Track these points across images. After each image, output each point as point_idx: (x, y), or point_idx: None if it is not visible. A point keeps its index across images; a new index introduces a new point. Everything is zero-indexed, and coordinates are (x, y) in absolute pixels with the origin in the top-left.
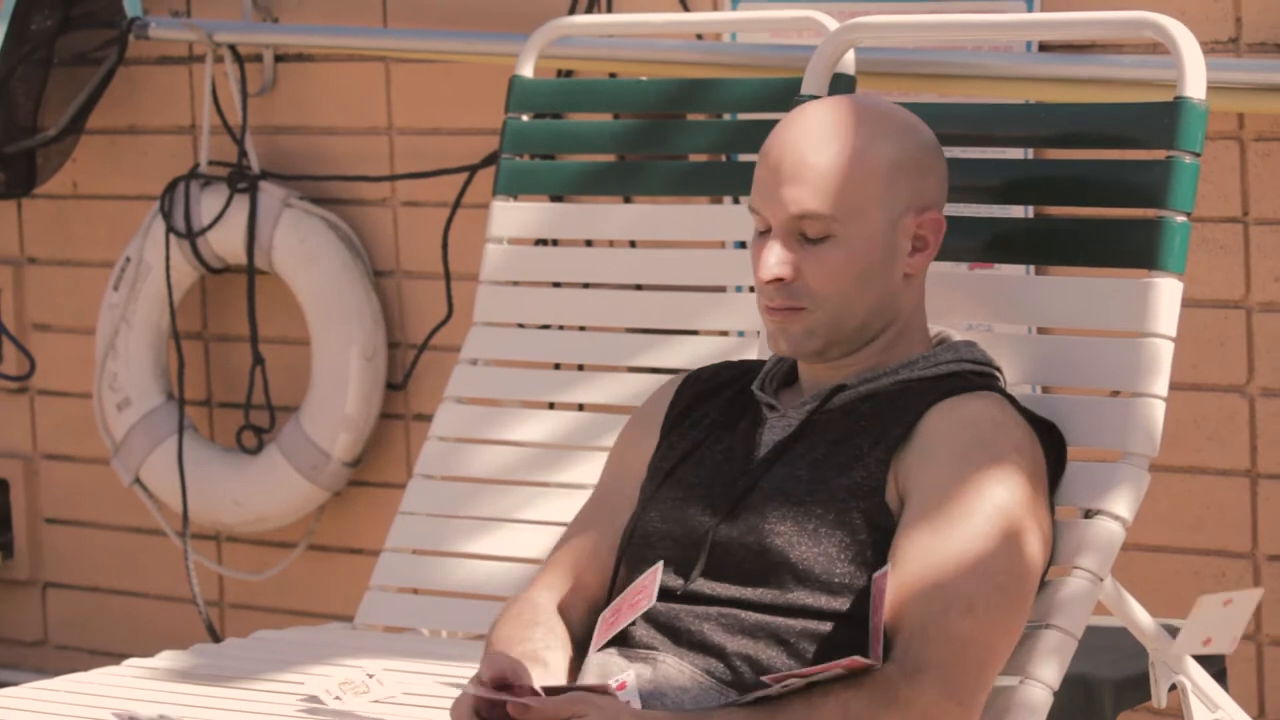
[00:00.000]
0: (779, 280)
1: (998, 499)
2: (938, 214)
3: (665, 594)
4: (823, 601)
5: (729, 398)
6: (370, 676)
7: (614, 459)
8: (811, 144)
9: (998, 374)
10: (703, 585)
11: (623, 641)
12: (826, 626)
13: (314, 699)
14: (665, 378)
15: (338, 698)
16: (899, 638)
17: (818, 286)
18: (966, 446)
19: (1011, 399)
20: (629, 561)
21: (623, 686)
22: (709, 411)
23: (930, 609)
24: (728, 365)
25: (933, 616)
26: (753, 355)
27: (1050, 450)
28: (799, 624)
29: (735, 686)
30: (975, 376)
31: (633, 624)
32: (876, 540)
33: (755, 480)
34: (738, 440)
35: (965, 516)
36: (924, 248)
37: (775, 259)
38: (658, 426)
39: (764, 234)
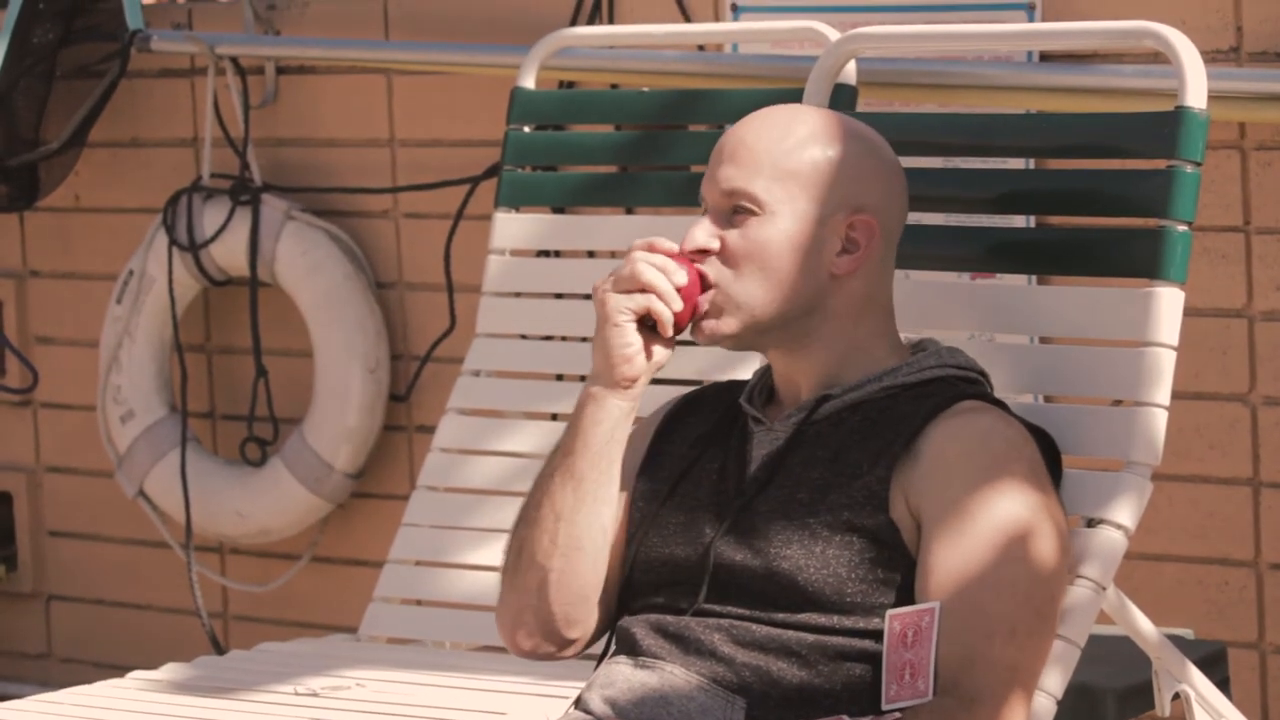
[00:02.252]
0: (702, 252)
1: (1023, 519)
2: (872, 218)
3: (674, 614)
4: (834, 620)
5: (720, 414)
6: (360, 686)
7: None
8: (754, 130)
9: (983, 379)
10: (711, 607)
11: (630, 651)
12: (839, 640)
13: (296, 694)
14: (665, 388)
15: (314, 693)
16: (946, 668)
17: (736, 262)
18: (984, 469)
19: (1003, 405)
20: (635, 588)
21: None
22: (698, 427)
23: (974, 638)
24: (715, 385)
25: (978, 646)
26: (750, 369)
27: (1046, 453)
28: (811, 638)
29: (741, 693)
30: (961, 382)
31: (642, 634)
32: (885, 557)
33: (749, 499)
34: (730, 458)
35: (994, 539)
36: (855, 250)
37: (702, 231)
38: (645, 445)
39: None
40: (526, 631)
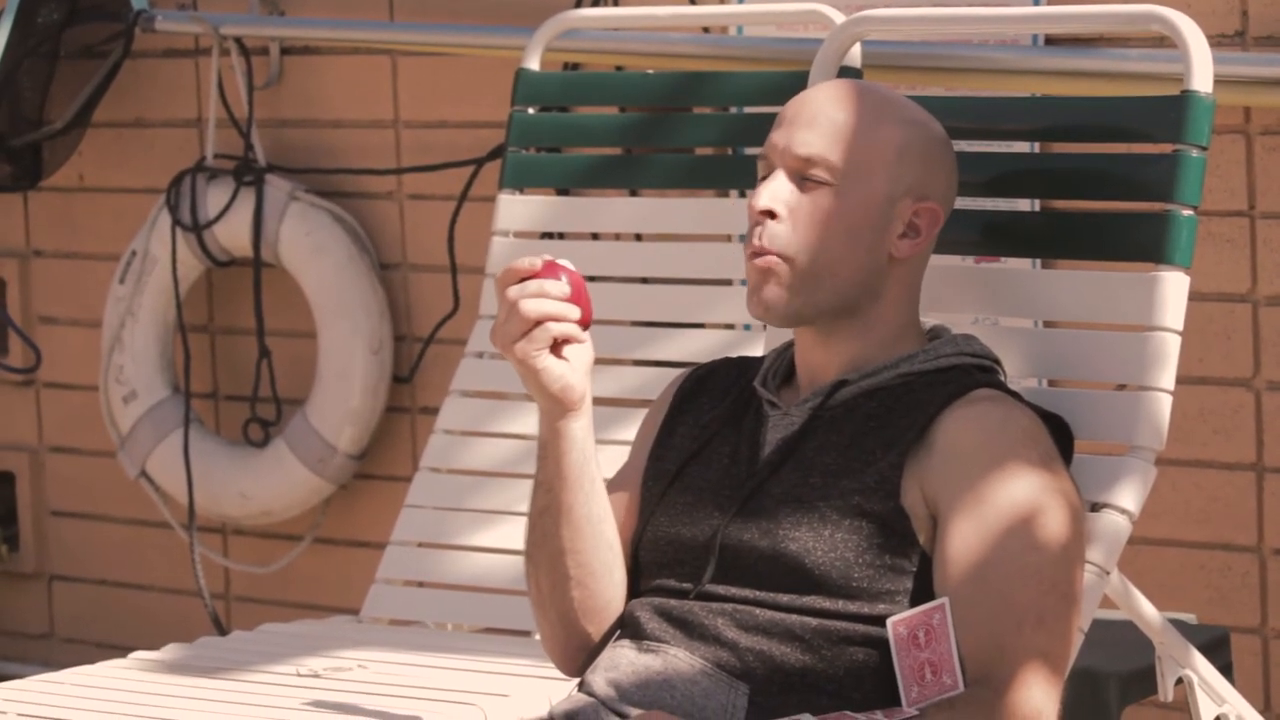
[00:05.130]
0: (769, 215)
1: (1041, 505)
2: (937, 206)
3: (678, 595)
4: (839, 605)
5: (733, 395)
6: (362, 667)
7: (631, 454)
8: (833, 99)
9: (997, 367)
10: (715, 589)
11: (634, 635)
12: (843, 624)
13: (298, 675)
14: (671, 371)
15: (315, 674)
16: (977, 658)
17: (803, 231)
18: (999, 457)
19: (1015, 394)
20: (643, 566)
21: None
22: (711, 409)
23: (1002, 628)
24: (727, 361)
25: (1008, 636)
26: (758, 350)
27: (1057, 439)
28: (815, 622)
29: (744, 678)
30: (977, 371)
31: (646, 617)
32: (893, 543)
33: (761, 482)
34: (743, 440)
35: (1014, 528)
36: (915, 235)
37: (770, 193)
38: (660, 420)
39: (765, 179)
40: (571, 655)
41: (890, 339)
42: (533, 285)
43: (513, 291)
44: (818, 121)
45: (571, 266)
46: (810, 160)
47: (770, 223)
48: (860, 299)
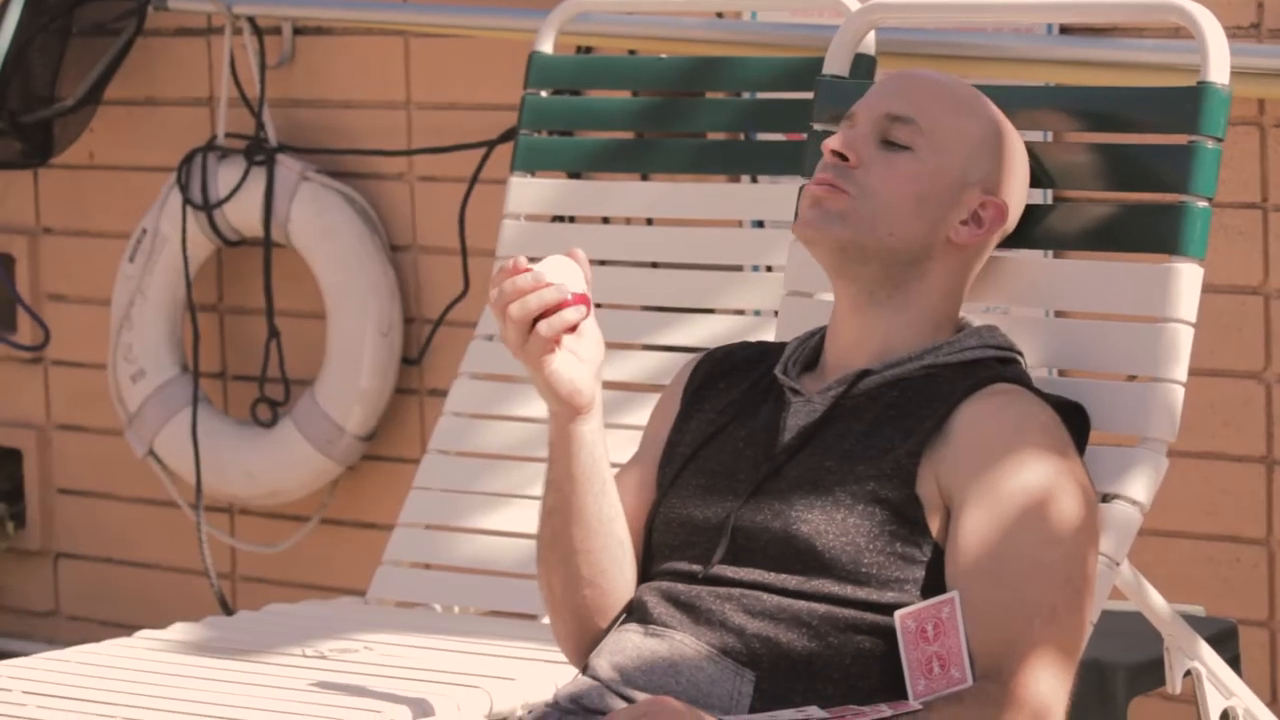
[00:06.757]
0: (840, 158)
1: (1057, 500)
2: (1003, 203)
3: (686, 578)
4: (848, 590)
5: (751, 380)
6: (368, 649)
7: (645, 437)
8: (930, 78)
9: (1020, 358)
10: (725, 570)
11: (641, 619)
12: (850, 612)
13: (304, 655)
14: (681, 356)
15: (321, 655)
16: (987, 653)
17: (873, 181)
18: (1015, 451)
19: (1035, 388)
20: (655, 548)
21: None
22: (728, 393)
23: (1014, 623)
24: (744, 345)
25: (1020, 630)
26: (769, 336)
27: (1074, 428)
28: (822, 608)
29: (750, 665)
30: (999, 364)
31: (653, 602)
32: (905, 532)
33: (779, 466)
34: (760, 425)
35: (1029, 522)
36: (977, 226)
37: (848, 139)
38: (677, 403)
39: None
40: (586, 650)
41: (925, 328)
42: (507, 286)
43: (494, 302)
44: (910, 87)
45: (559, 258)
46: (898, 118)
47: (842, 164)
48: (906, 271)
